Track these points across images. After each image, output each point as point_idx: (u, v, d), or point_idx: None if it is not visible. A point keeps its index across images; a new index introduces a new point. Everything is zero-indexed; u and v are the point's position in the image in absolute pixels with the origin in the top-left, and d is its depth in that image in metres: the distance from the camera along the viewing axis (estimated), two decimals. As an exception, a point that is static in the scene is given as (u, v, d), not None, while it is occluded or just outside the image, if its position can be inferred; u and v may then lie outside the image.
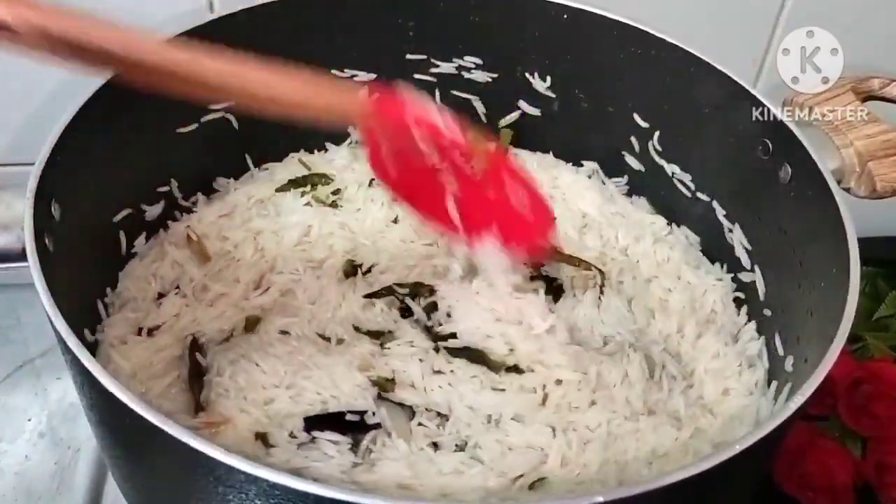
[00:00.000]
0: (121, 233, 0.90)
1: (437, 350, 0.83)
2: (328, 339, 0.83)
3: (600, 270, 0.93)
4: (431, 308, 0.87)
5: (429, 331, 0.85)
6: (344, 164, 1.03)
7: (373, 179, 0.99)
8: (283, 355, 0.81)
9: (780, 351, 0.86)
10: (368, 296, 0.87)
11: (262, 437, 0.76)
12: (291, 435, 0.76)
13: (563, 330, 0.85)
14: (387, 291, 0.88)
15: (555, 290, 0.91)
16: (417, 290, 0.88)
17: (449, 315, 0.86)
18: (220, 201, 0.98)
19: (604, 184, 1.06)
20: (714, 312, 0.92)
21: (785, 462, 0.98)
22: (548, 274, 0.93)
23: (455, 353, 0.82)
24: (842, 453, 1.00)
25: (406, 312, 0.87)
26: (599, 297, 0.90)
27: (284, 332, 0.84)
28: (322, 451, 0.75)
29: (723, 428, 0.81)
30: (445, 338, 0.84)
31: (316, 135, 1.06)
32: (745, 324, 0.92)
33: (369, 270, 0.91)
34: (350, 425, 0.77)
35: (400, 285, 0.89)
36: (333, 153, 1.06)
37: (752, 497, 0.81)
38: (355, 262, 0.91)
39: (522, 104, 1.06)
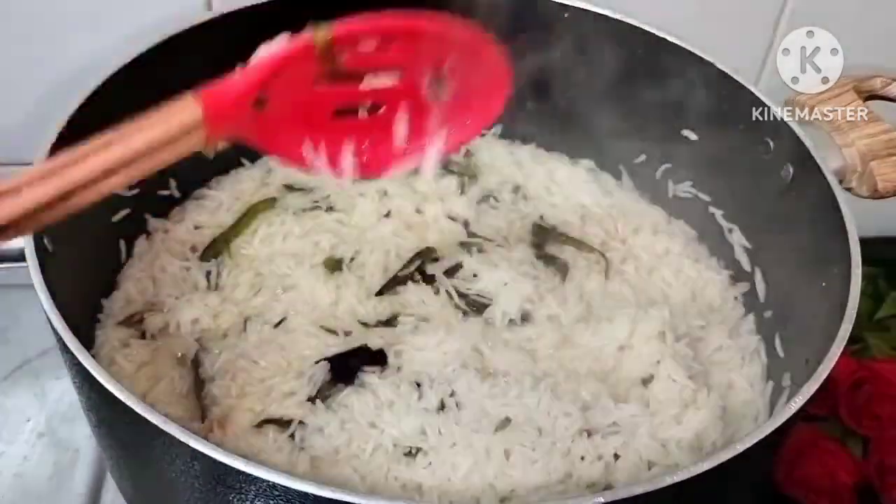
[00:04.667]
0: (120, 233, 0.90)
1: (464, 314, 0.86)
2: (334, 333, 0.83)
3: (603, 255, 0.94)
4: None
5: (450, 296, 0.88)
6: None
7: None
8: (287, 345, 0.82)
9: (781, 352, 0.86)
10: (378, 293, 0.88)
11: (273, 421, 0.77)
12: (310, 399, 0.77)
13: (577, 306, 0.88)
14: (393, 283, 0.89)
15: (560, 268, 0.92)
16: (427, 255, 0.91)
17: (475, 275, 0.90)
18: (217, 201, 0.98)
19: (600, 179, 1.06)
20: (715, 305, 0.93)
21: (786, 462, 0.98)
22: (553, 254, 0.94)
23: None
24: (843, 454, 1.00)
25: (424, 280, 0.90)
26: (606, 280, 0.92)
27: (285, 326, 0.84)
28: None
29: (725, 425, 0.81)
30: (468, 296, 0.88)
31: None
32: (743, 316, 0.92)
33: (352, 261, 0.90)
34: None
35: (405, 266, 0.90)
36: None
37: (752, 498, 0.81)
38: (335, 256, 0.91)
39: (522, 102, 1.06)
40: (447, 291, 0.87)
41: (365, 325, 0.85)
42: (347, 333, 0.83)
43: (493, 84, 0.72)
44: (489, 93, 0.72)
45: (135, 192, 0.90)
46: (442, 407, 0.77)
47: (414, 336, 0.83)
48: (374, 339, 0.82)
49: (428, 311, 0.86)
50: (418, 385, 0.78)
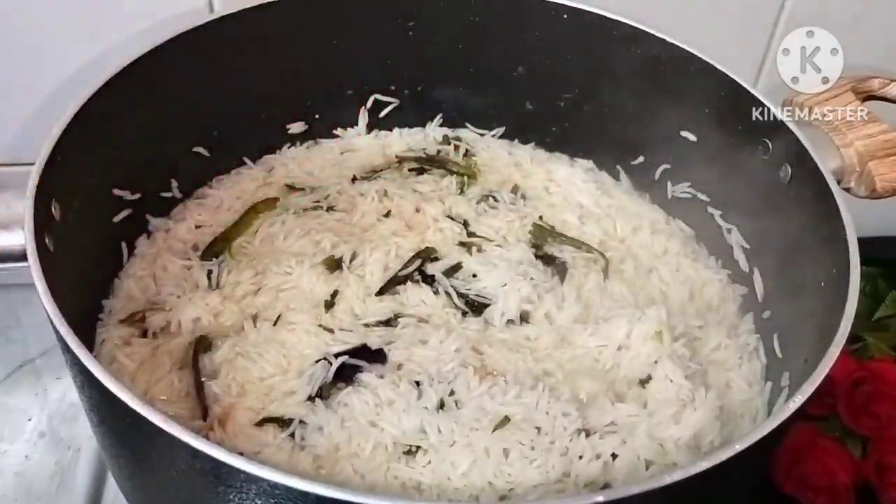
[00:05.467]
0: (121, 233, 0.91)
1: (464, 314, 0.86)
2: (334, 332, 0.84)
3: (602, 254, 0.94)
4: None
5: (449, 296, 0.87)
6: (323, 164, 1.04)
7: (355, 176, 1.01)
8: (287, 344, 0.82)
9: (779, 352, 0.86)
10: (378, 293, 0.88)
11: (274, 420, 0.77)
12: (310, 398, 0.77)
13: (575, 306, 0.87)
14: (393, 283, 0.88)
15: (559, 268, 0.92)
16: (427, 254, 0.91)
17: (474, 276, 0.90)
18: (218, 200, 0.98)
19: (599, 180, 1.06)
20: (713, 305, 0.93)
21: (785, 462, 0.98)
22: (551, 253, 0.94)
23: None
24: (842, 453, 1.00)
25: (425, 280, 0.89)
26: (604, 280, 0.92)
27: (286, 325, 0.84)
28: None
29: (722, 425, 0.81)
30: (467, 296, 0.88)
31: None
32: (742, 316, 0.92)
33: (352, 261, 0.90)
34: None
35: (405, 266, 0.90)
36: (313, 153, 1.06)
37: (751, 497, 0.81)
38: (335, 256, 0.91)
39: (522, 102, 1.06)
40: (446, 292, 0.88)
41: (365, 324, 0.85)
42: (347, 333, 0.84)
43: None
44: None
45: (137, 196, 0.91)
46: (441, 406, 0.77)
47: (413, 335, 0.83)
48: (374, 339, 0.83)
49: (427, 310, 0.86)
50: (418, 384, 0.78)
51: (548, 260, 0.93)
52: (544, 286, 0.89)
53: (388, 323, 0.85)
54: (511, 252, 0.92)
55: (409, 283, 0.89)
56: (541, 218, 0.98)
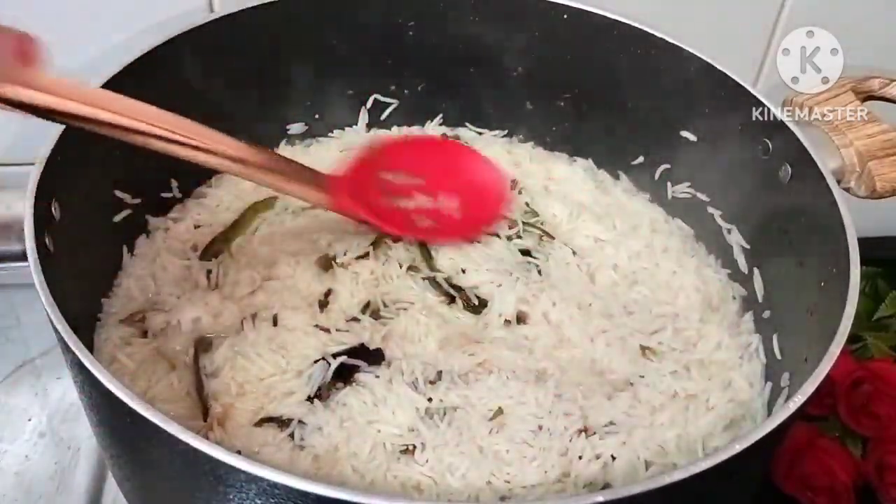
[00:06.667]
0: (121, 233, 0.91)
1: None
2: (332, 331, 0.84)
3: (601, 254, 0.94)
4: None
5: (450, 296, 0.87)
6: (323, 164, 1.03)
7: None
8: (286, 344, 0.82)
9: (779, 352, 0.86)
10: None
11: (273, 420, 0.77)
12: (309, 398, 0.77)
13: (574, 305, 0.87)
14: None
15: (558, 267, 0.92)
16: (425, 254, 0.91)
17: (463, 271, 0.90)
18: (217, 200, 0.98)
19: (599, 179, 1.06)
20: (714, 304, 0.93)
21: (785, 462, 0.98)
22: (550, 253, 0.94)
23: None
24: (842, 453, 1.00)
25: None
26: (603, 280, 0.92)
27: (285, 325, 0.84)
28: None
29: (723, 424, 0.81)
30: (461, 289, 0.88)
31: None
32: (742, 315, 0.92)
33: (346, 255, 0.90)
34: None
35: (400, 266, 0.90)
36: (313, 153, 1.06)
37: (751, 497, 0.81)
38: (330, 254, 0.90)
39: (522, 102, 1.06)
40: (447, 292, 0.87)
41: (358, 321, 0.85)
42: (344, 333, 0.83)
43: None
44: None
45: (137, 200, 0.91)
46: (440, 405, 0.77)
47: (411, 334, 0.83)
48: (372, 338, 0.82)
49: (425, 310, 0.86)
50: (416, 383, 0.78)
51: (547, 259, 0.93)
52: (542, 285, 0.89)
53: (386, 322, 0.85)
54: (510, 251, 0.92)
55: (408, 281, 0.88)
56: (539, 216, 0.98)
